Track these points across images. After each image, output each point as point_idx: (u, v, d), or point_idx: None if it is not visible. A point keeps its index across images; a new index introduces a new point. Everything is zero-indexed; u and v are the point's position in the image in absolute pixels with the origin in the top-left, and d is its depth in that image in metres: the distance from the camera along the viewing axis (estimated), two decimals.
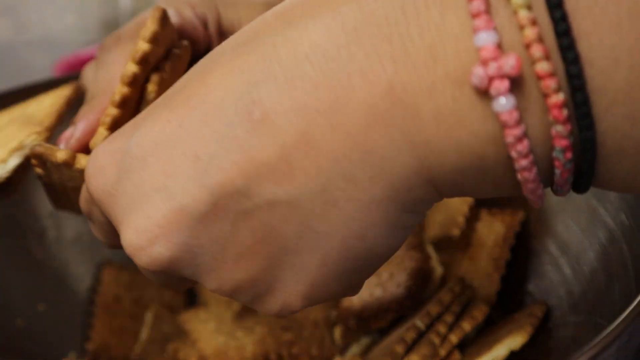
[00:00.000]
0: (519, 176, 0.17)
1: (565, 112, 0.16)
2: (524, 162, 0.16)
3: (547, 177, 0.17)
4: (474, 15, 0.16)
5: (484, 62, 0.16)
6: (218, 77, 0.18)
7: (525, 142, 0.16)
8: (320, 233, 0.17)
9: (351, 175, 0.17)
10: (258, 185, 0.17)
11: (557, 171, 0.17)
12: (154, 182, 0.18)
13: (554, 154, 0.17)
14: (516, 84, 0.16)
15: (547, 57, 0.16)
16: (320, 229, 0.17)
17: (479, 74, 0.16)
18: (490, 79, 0.16)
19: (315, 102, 0.17)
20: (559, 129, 0.16)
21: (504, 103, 0.16)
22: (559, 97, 0.16)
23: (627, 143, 0.16)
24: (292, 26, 0.17)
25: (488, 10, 0.16)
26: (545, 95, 0.16)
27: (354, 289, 0.20)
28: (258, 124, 0.17)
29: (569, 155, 0.16)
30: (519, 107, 0.16)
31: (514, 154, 0.16)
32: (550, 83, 0.16)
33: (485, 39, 0.16)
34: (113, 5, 1.27)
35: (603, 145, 0.16)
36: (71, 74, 0.66)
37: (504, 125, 0.16)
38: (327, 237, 0.17)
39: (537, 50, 0.16)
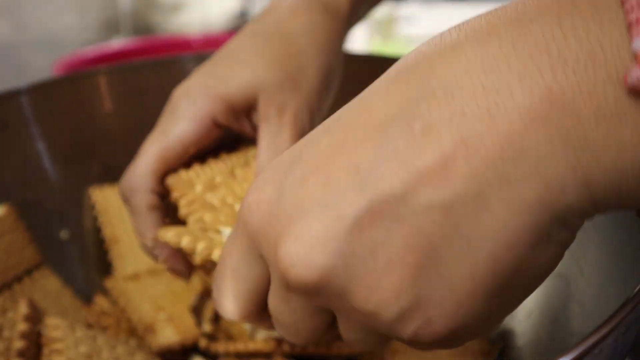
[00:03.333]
0: None
1: None
2: None
3: None
4: (631, 24, 0.16)
5: None
6: (379, 101, 0.19)
7: None
8: (470, 240, 0.18)
9: (505, 174, 0.17)
10: (415, 190, 0.18)
11: None
12: (313, 196, 0.19)
13: None
14: None
15: None
16: (471, 234, 0.18)
17: (636, 74, 0.16)
18: None
19: (473, 109, 0.18)
20: None
21: None
22: None
23: None
24: (449, 50, 0.19)
25: None
26: None
27: (496, 320, 0.20)
28: (418, 135, 0.18)
29: None
30: None
31: None
32: None
33: None
34: (113, 6, 1.28)
35: None
36: (71, 73, 0.66)
37: None
38: (476, 245, 0.18)
39: None
